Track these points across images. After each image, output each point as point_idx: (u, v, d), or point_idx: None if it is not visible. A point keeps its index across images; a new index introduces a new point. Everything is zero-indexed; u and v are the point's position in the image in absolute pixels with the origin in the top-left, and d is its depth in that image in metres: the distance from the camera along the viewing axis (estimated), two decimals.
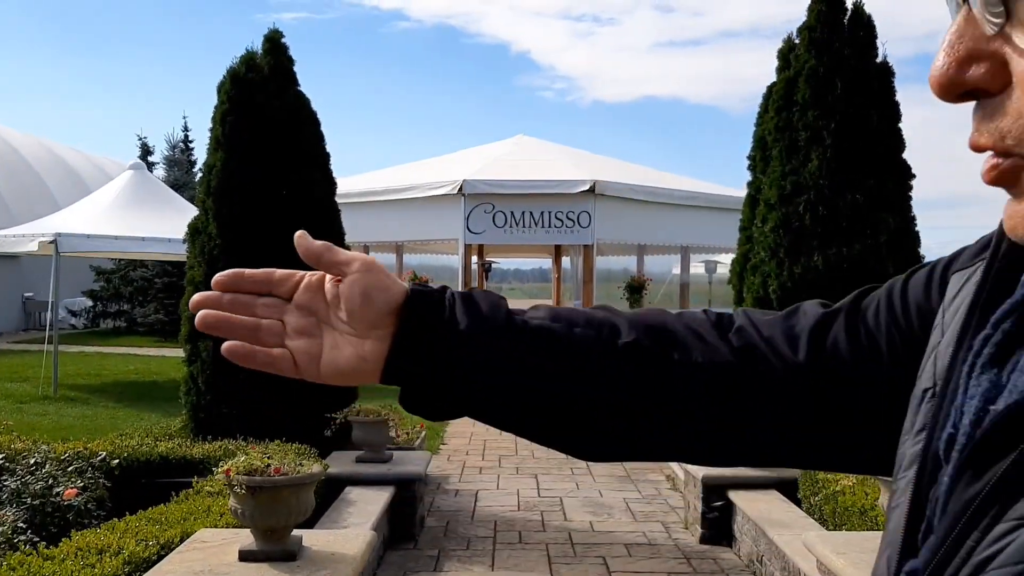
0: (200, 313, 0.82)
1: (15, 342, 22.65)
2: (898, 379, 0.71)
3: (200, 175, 8.01)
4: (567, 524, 6.64)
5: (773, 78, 7.63)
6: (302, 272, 0.85)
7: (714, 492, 6.13)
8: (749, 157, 7.96)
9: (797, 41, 7.45)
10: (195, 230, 7.42)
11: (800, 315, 0.82)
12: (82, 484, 4.94)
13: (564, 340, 0.81)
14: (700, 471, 6.23)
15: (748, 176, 7.97)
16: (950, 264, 0.71)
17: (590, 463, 8.46)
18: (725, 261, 18.27)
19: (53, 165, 32.06)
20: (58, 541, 3.78)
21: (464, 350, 0.79)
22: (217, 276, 0.83)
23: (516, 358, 0.80)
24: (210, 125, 7.60)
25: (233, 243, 7.08)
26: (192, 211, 10.03)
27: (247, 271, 0.84)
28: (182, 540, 3.76)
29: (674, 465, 7.57)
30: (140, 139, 31.82)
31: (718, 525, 6.14)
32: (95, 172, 33.73)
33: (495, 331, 0.80)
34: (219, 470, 3.69)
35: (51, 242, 13.39)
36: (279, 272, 0.84)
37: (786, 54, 7.50)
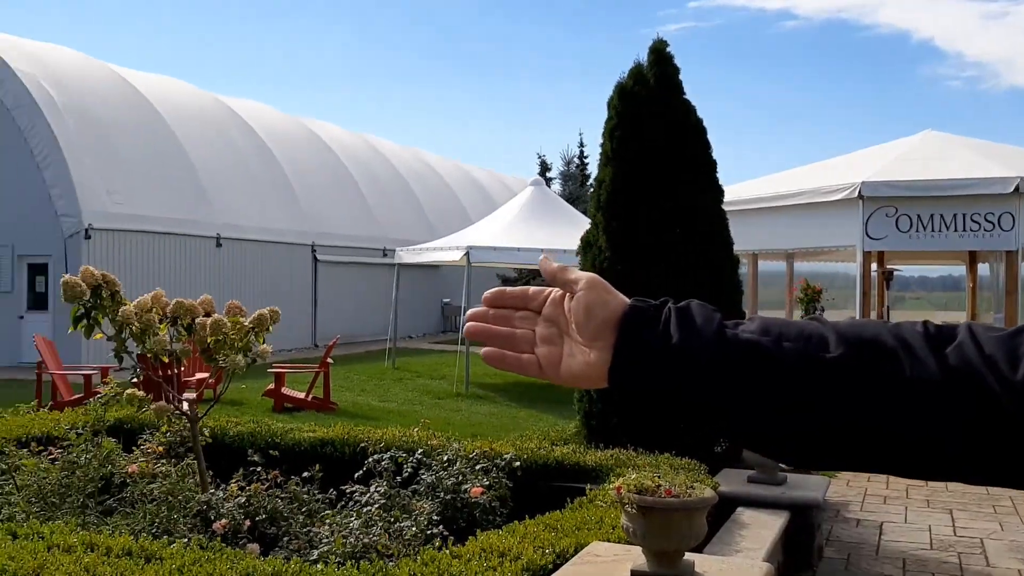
0: (467, 325, 0.97)
1: (435, 343, 25.40)
2: None
3: (592, 189, 8.27)
4: (990, 571, 5.80)
5: None
6: (550, 289, 0.97)
7: None
8: None
9: None
10: (587, 243, 7.66)
11: None
12: (487, 483, 5.29)
13: (770, 354, 0.85)
14: None
15: None
16: None
17: (1017, 503, 7.36)
18: None
19: (466, 184, 35.54)
20: (465, 537, 4.05)
21: (674, 363, 0.86)
22: (485, 294, 0.98)
23: (721, 372, 0.85)
24: (600, 140, 7.82)
25: (622, 256, 7.20)
26: (586, 224, 10.43)
27: (508, 289, 0.98)
28: (575, 551, 3.83)
29: None
30: (539, 157, 34.09)
31: None
32: (501, 189, 36.81)
33: (704, 346, 0.86)
34: (610, 485, 3.69)
35: (465, 254, 14.78)
36: (532, 289, 0.97)
37: None
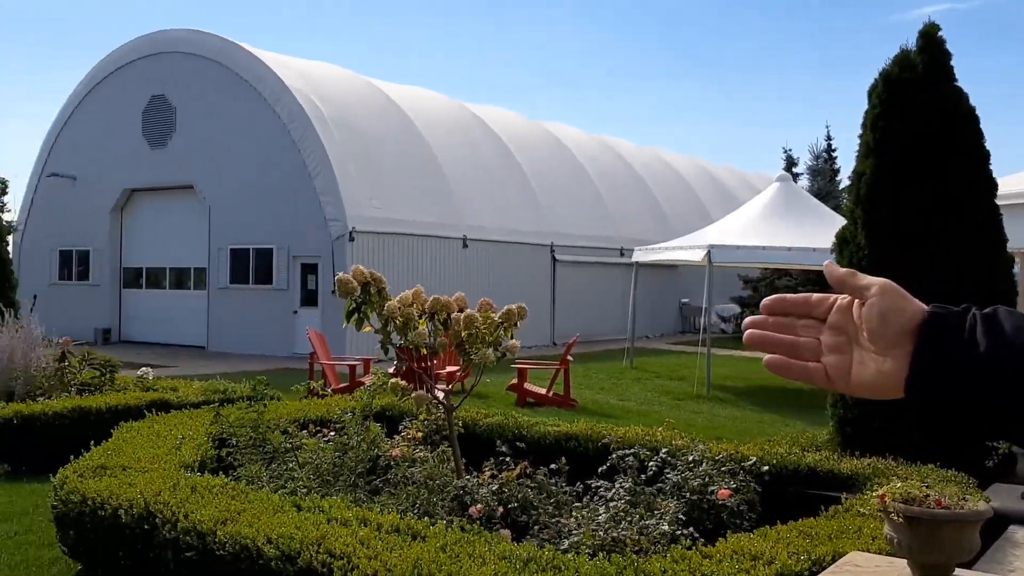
0: (747, 333, 0.96)
1: (673, 343, 25.17)
2: None
3: (845, 183, 7.88)
4: None
5: None
6: (836, 296, 0.94)
7: None
8: None
9: None
10: (842, 240, 7.31)
11: None
12: (734, 486, 5.19)
13: None
14: None
15: None
16: None
17: None
18: None
19: (705, 182, 34.90)
20: (712, 539, 4.01)
21: (980, 371, 0.83)
22: (764, 301, 0.96)
23: None
24: (859, 131, 7.43)
25: (882, 253, 6.80)
26: (838, 221, 9.94)
27: (788, 296, 0.96)
28: (832, 559, 3.68)
29: None
30: (785, 152, 32.81)
31: None
32: (742, 186, 35.81)
33: (1014, 354, 0.82)
34: (873, 493, 3.52)
35: (706, 253, 14.54)
36: (815, 296, 0.95)
37: None
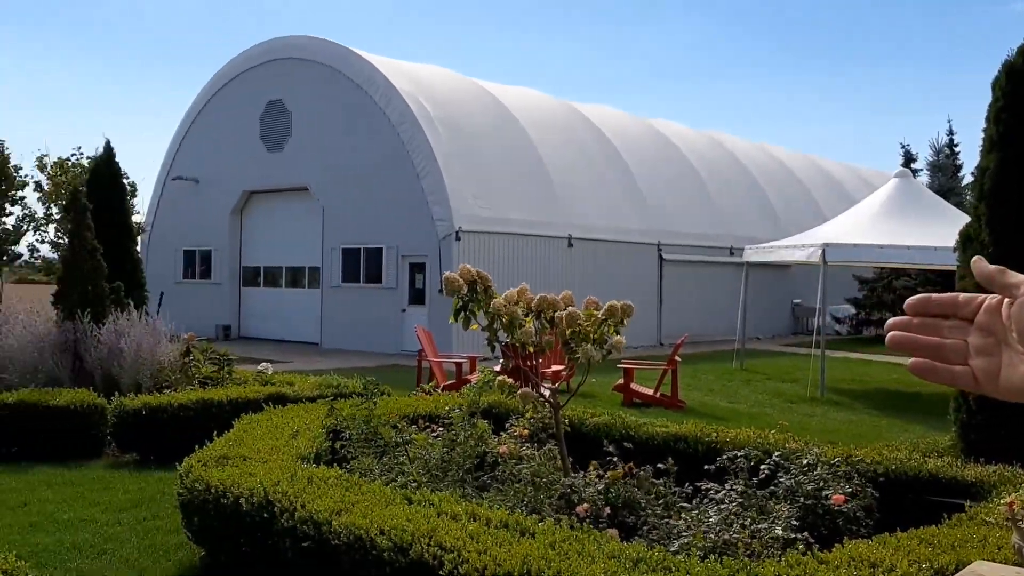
0: (890, 335, 0.93)
1: (785, 345, 24.53)
2: None
3: (968, 179, 7.53)
4: None
5: None
6: (984, 295, 0.91)
7: None
8: None
9: None
10: (966, 238, 6.99)
11: None
12: (850, 490, 5.03)
13: None
14: None
15: None
16: None
17: None
18: None
19: (818, 179, 33.88)
20: (827, 545, 3.89)
21: None
22: (908, 301, 0.93)
23: None
24: (983, 125, 7.09)
25: (1007, 249, 6.47)
26: (962, 218, 9.50)
27: (934, 296, 0.92)
28: (956, 569, 3.53)
29: None
30: (903, 147, 31.51)
31: None
32: (858, 183, 34.63)
33: None
34: (1000, 501, 3.36)
35: (820, 252, 14.11)
36: (962, 296, 0.91)
37: None
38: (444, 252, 19.98)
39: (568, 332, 5.52)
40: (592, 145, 25.52)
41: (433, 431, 6.38)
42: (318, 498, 4.46)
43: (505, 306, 5.58)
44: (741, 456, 5.12)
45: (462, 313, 5.72)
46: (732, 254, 25.34)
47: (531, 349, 5.72)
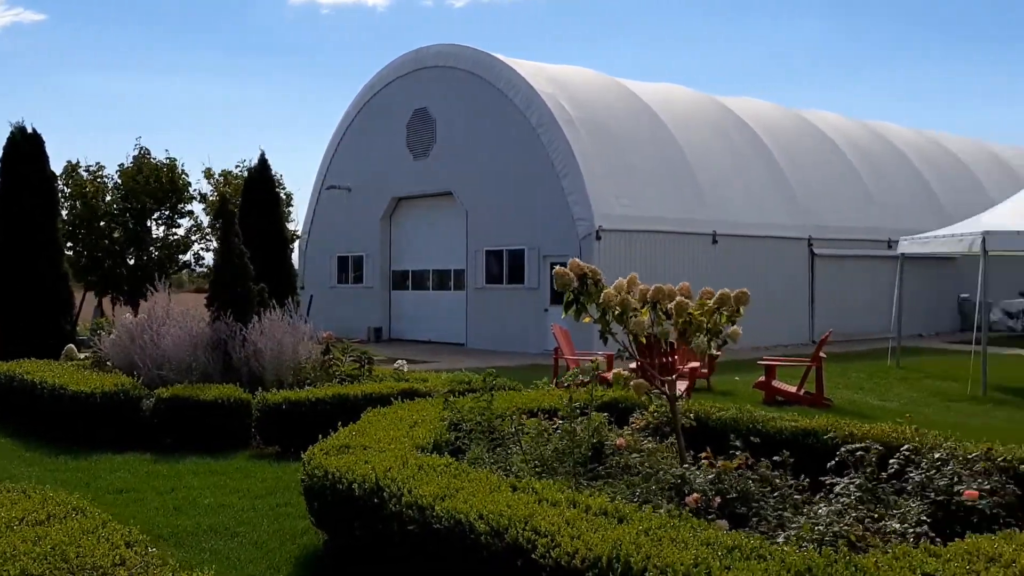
0: None
1: (950, 342, 23.07)
2: None
3: None
4: None
5: None
6: None
7: None
8: None
9: None
10: None
11: None
12: (988, 487, 4.68)
13: None
14: None
15: None
16: None
17: None
18: None
19: (989, 164, 31.66)
20: None
21: None
22: None
23: None
24: None
25: None
26: None
27: None
28: None
29: None
30: None
31: None
32: None
33: None
34: None
35: (979, 240, 13.18)
36: None
37: None
38: (585, 251, 19.94)
39: (680, 322, 5.40)
40: (737, 138, 24.84)
41: (553, 424, 6.38)
42: (424, 484, 4.55)
43: (615, 296, 5.52)
44: (860, 449, 4.85)
45: (573, 306, 5.71)
46: (890, 247, 24.05)
47: (643, 340, 5.63)
